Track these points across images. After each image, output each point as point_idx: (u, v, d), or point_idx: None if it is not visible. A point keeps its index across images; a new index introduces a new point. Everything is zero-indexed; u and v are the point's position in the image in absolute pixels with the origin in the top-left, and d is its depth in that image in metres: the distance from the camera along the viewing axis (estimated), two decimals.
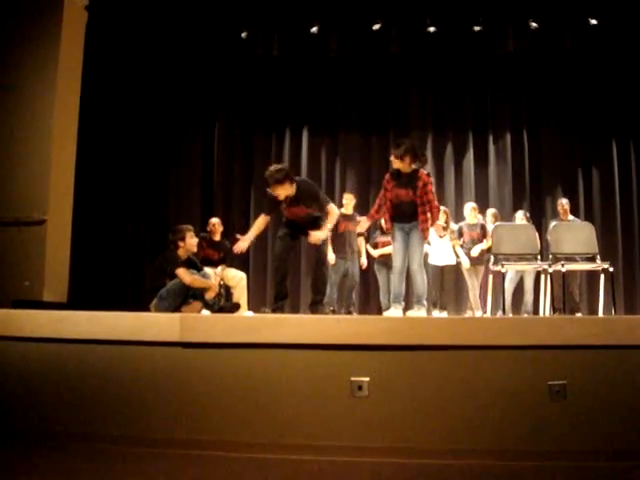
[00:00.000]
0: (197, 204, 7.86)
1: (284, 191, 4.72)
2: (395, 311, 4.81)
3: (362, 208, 8.07)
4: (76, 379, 3.38)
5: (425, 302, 4.85)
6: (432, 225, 4.82)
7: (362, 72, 8.14)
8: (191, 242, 5.14)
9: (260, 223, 4.96)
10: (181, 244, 5.09)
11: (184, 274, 4.89)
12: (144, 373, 3.31)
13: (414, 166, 4.73)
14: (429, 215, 4.72)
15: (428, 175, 4.77)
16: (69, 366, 3.41)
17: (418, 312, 4.81)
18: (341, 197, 7.98)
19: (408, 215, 4.72)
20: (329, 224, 4.86)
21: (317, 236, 4.72)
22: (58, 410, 3.37)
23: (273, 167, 4.78)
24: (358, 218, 7.18)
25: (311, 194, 4.85)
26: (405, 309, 6.97)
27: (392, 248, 5.07)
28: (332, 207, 4.88)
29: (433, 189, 4.79)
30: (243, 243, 4.80)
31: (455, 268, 7.24)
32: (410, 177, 4.72)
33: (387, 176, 4.87)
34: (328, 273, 5.14)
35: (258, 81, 8.23)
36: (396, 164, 4.75)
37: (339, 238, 7.10)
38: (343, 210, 7.24)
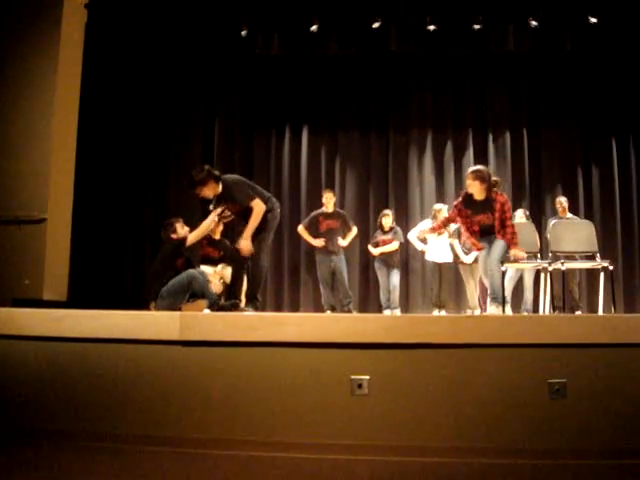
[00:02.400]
0: (197, 202, 7.85)
1: (210, 191, 4.76)
2: (496, 309, 4.84)
3: (362, 206, 8.10)
4: (76, 378, 3.39)
5: (500, 300, 4.86)
6: (514, 247, 4.86)
7: (362, 70, 8.13)
8: (183, 232, 5.16)
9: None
10: (174, 236, 5.11)
11: (189, 235, 4.98)
12: (144, 371, 3.31)
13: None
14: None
15: (502, 195, 4.87)
16: (69, 365, 3.41)
17: (497, 310, 4.82)
18: (342, 195, 8.00)
19: (490, 232, 4.90)
20: (250, 227, 4.67)
21: (242, 247, 4.65)
22: (58, 409, 3.37)
23: (194, 170, 4.79)
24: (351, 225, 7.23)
25: (233, 191, 4.75)
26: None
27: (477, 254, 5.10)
28: (256, 203, 4.68)
29: (510, 205, 4.91)
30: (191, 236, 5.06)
31: (453, 266, 7.27)
32: (485, 202, 4.85)
33: (459, 203, 4.98)
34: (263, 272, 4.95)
35: (258, 80, 8.22)
36: (472, 187, 4.84)
37: (321, 237, 7.11)
38: (324, 209, 7.24)
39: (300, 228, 7.27)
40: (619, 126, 7.93)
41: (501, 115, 8.12)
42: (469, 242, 5.40)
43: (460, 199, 5.03)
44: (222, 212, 4.97)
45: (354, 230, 7.31)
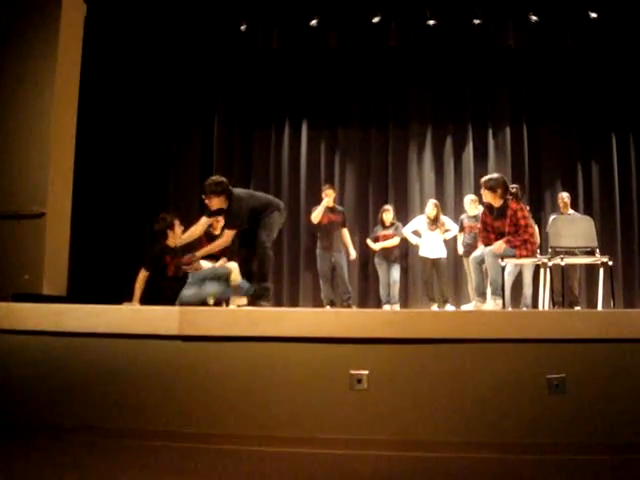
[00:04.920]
0: (196, 198, 7.84)
1: (218, 203, 4.87)
2: (494, 303, 4.97)
3: (361, 201, 8.10)
4: (76, 372, 3.39)
5: (499, 293, 4.97)
6: (521, 244, 4.95)
7: (361, 65, 8.11)
8: (180, 231, 5.02)
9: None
10: (170, 233, 4.94)
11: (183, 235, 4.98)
12: (143, 366, 3.32)
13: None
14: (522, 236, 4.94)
15: (517, 203, 5.03)
16: (69, 359, 3.42)
17: (495, 304, 4.91)
18: (342, 190, 7.99)
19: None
20: (207, 250, 4.92)
21: (187, 262, 4.81)
22: (58, 403, 3.37)
23: (215, 178, 4.92)
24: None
25: (230, 212, 4.89)
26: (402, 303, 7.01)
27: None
28: (226, 233, 4.88)
29: (526, 214, 5.02)
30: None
31: (447, 261, 7.29)
32: (501, 209, 5.02)
33: (484, 211, 5.20)
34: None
35: (257, 75, 8.20)
36: (487, 197, 5.04)
37: (322, 231, 7.11)
38: (324, 203, 7.21)
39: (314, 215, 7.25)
40: (619, 122, 7.92)
41: (501, 110, 8.10)
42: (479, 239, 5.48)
43: (484, 209, 5.25)
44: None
45: (346, 233, 7.28)
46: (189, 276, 4.80)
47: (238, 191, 5.05)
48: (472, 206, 7.00)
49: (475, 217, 6.93)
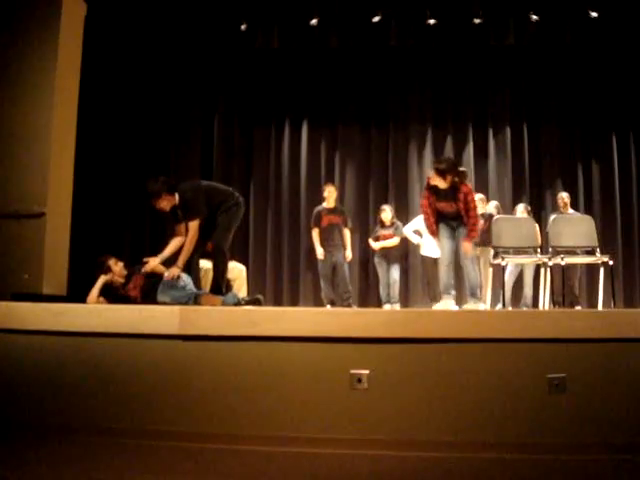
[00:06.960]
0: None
1: (166, 203, 4.69)
2: (447, 302, 4.91)
3: (361, 201, 8.09)
4: (76, 372, 3.39)
5: (480, 295, 4.99)
6: (468, 238, 5.03)
7: (362, 65, 8.12)
8: (117, 268, 4.95)
9: (174, 243, 4.90)
10: (110, 274, 4.93)
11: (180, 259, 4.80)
12: (143, 366, 3.31)
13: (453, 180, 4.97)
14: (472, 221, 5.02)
15: (467, 186, 5.01)
16: (69, 359, 3.41)
17: (475, 305, 4.87)
18: (342, 189, 7.99)
19: (453, 217, 5.06)
20: (185, 256, 4.62)
21: (173, 273, 4.61)
22: (57, 403, 3.37)
23: (149, 183, 4.71)
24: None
25: (185, 203, 4.69)
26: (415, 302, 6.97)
27: (437, 243, 5.30)
28: (193, 225, 4.62)
29: (474, 196, 5.10)
30: (154, 261, 4.79)
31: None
32: (449, 191, 4.97)
33: (426, 192, 5.12)
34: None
35: (257, 74, 8.20)
36: (435, 180, 4.95)
37: (323, 232, 7.10)
38: (325, 204, 7.22)
39: (314, 233, 7.22)
40: (619, 122, 7.92)
41: (501, 110, 8.10)
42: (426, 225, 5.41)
43: (426, 186, 5.15)
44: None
45: (347, 233, 7.27)
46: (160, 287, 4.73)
47: (185, 183, 4.89)
48: (479, 205, 6.96)
49: (482, 215, 6.91)
